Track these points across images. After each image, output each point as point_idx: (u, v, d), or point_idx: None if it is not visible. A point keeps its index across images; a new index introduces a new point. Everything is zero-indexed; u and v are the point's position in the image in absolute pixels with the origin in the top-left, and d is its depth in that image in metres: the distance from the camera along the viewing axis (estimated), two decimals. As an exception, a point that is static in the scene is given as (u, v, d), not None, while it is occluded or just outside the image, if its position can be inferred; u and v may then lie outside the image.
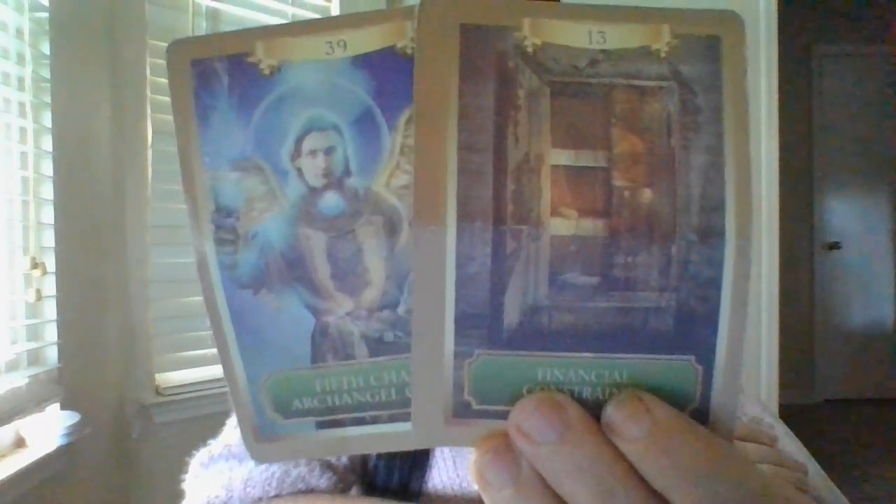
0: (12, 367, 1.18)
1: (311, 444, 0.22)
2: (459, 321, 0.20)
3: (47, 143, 1.24)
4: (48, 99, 1.24)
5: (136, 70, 1.49)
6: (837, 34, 4.08)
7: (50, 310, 1.24)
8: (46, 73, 1.23)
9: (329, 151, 0.21)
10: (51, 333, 1.24)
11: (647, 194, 0.20)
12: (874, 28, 4.06)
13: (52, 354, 1.25)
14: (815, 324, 4.12)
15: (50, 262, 1.22)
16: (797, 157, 3.91)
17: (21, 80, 1.19)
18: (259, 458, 0.22)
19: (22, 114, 1.19)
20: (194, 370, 1.62)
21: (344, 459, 0.60)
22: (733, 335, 0.20)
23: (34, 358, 1.23)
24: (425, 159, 0.20)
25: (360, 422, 0.22)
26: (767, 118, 2.41)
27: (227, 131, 0.21)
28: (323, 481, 0.57)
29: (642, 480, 0.19)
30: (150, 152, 1.52)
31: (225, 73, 0.21)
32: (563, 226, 0.20)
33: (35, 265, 1.17)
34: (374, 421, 0.22)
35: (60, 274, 1.24)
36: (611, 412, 0.19)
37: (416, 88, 0.20)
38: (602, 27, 0.20)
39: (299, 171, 0.21)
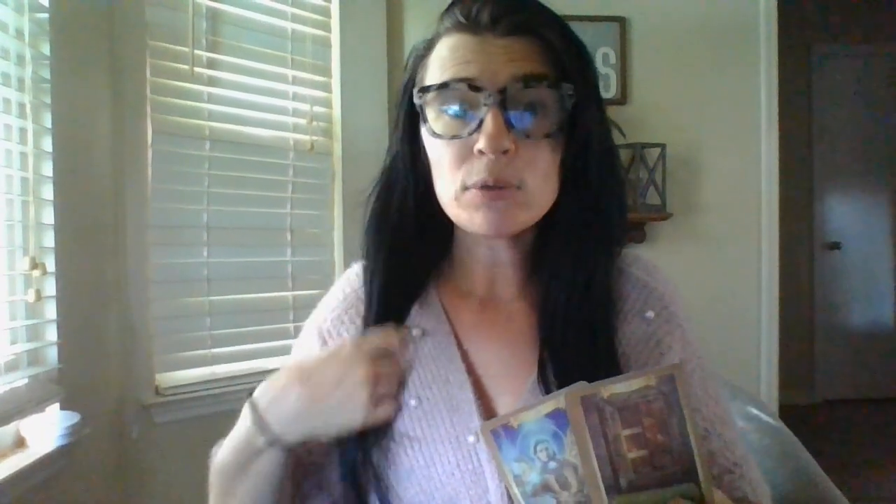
0: (12, 367, 1.18)
1: None
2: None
3: (47, 144, 1.24)
4: (48, 99, 1.24)
5: (136, 70, 1.49)
6: (837, 34, 4.08)
7: (50, 310, 1.24)
8: (46, 74, 1.23)
9: None
10: (51, 333, 1.24)
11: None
12: (874, 28, 4.06)
13: (51, 354, 1.25)
14: (815, 324, 4.12)
15: (50, 263, 1.22)
16: (797, 157, 3.91)
17: (21, 81, 1.19)
18: None
19: (22, 114, 1.19)
20: (194, 370, 1.62)
21: None
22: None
23: (34, 358, 1.23)
24: None
25: None
26: (767, 118, 2.41)
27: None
28: None
29: None
30: (150, 152, 1.52)
31: None
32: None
33: (35, 265, 1.17)
34: None
35: (60, 274, 1.24)
36: None
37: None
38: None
39: None
